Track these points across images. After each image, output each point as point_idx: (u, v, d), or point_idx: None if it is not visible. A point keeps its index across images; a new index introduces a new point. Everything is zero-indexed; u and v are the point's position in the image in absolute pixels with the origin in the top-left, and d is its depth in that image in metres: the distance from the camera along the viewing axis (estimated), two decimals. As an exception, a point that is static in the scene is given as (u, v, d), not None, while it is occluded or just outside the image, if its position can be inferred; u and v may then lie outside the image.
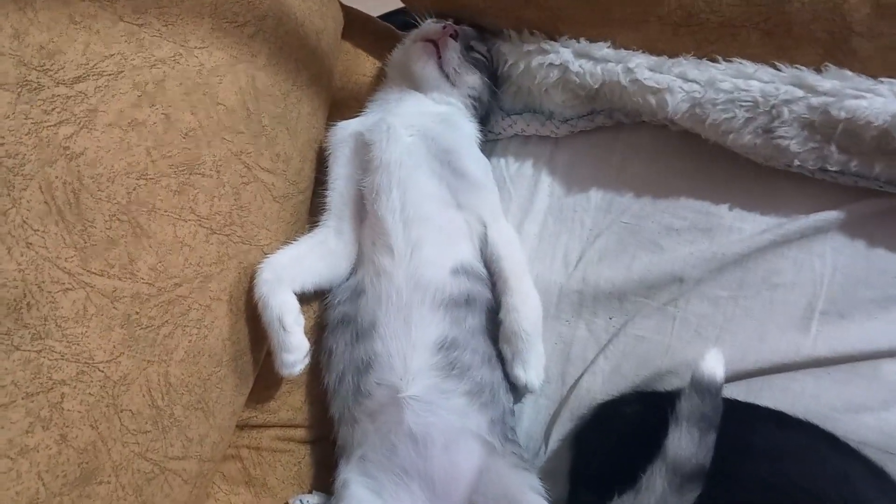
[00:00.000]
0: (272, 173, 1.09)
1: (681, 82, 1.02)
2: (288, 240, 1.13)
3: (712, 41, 1.02)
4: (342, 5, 1.33)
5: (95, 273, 0.80)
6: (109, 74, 0.83)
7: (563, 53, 1.11)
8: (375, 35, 1.40)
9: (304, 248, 1.12)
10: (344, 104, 1.31)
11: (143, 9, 0.89)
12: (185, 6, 0.95)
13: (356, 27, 1.37)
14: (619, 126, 1.18)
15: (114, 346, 0.83)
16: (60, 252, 0.76)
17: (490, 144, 1.29)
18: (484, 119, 1.25)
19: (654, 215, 1.12)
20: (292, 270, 1.08)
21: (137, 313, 0.86)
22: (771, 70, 0.99)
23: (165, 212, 0.89)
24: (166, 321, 0.90)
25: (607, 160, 1.19)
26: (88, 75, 0.81)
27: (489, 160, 1.26)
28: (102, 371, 0.82)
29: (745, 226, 1.09)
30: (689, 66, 1.03)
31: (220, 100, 1.00)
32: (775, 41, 0.98)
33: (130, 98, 0.86)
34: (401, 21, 1.43)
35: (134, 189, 0.85)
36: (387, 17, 1.58)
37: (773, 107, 0.97)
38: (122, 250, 0.83)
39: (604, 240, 1.16)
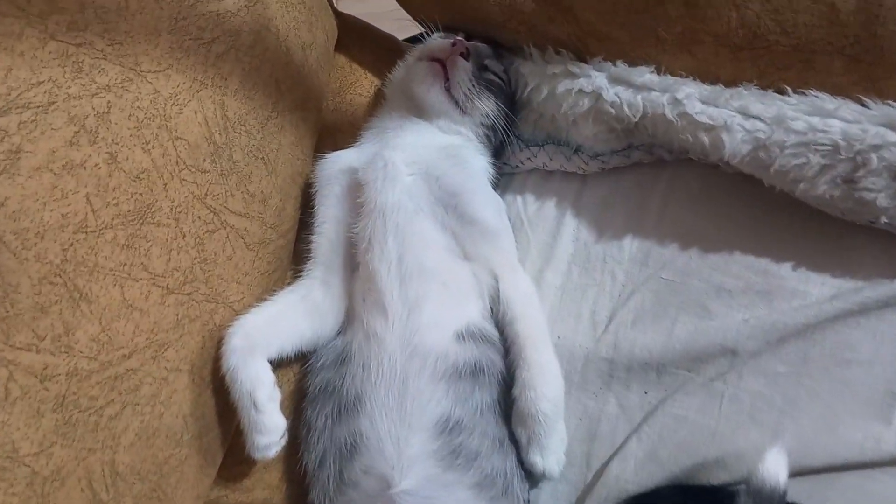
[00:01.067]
0: (245, 217, 0.92)
1: (741, 119, 0.84)
2: (265, 293, 0.98)
3: (781, 68, 0.83)
4: (336, 12, 1.15)
5: (20, 348, 0.68)
6: (38, 107, 0.69)
7: (596, 78, 0.92)
8: (375, 46, 1.22)
9: (283, 304, 0.95)
10: (336, 128, 1.13)
11: (81, 25, 0.73)
12: (135, 21, 0.79)
13: (352, 37, 1.19)
14: (660, 163, 1.00)
15: (44, 435, 0.70)
16: (-27, 323, 0.64)
17: (505, 178, 1.11)
18: (498, 150, 1.07)
19: (700, 272, 0.96)
20: (268, 333, 0.91)
21: (75, 393, 0.73)
22: (856, 107, 0.80)
23: (111, 270, 0.76)
24: (112, 400, 0.76)
25: (645, 203, 1.01)
26: (10, 108, 0.67)
27: (503, 198, 1.08)
28: (29, 466, 0.69)
29: (811, 289, 0.91)
30: (752, 99, 0.84)
31: (180, 133, 0.84)
32: (862, 70, 0.79)
33: (65, 135, 0.71)
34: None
35: (70, 245, 0.72)
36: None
37: (857, 153, 0.79)
38: (56, 319, 0.71)
39: (639, 298, 0.98)
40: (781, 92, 0.85)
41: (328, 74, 1.12)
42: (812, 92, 0.83)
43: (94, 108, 0.74)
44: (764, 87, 0.86)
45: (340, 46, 1.16)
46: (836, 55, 0.79)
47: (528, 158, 1.07)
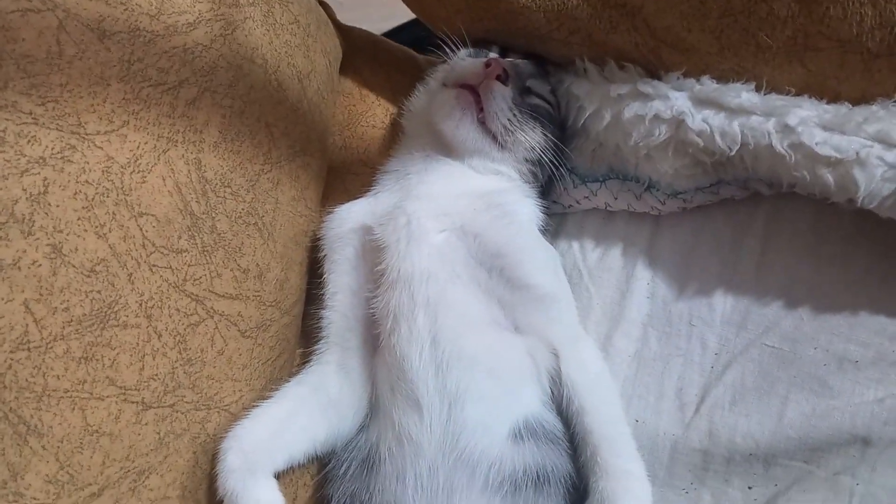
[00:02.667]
0: (237, 299, 0.75)
1: (880, 149, 0.63)
2: (268, 386, 0.82)
3: (934, 78, 0.61)
4: (340, 27, 0.94)
5: (-48, 505, 0.54)
6: None
7: (677, 100, 0.72)
8: (389, 65, 1.01)
9: (290, 401, 0.79)
10: (346, 169, 0.95)
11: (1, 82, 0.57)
12: (73, 70, 0.62)
13: (361, 56, 0.99)
14: (756, 197, 0.79)
15: None
16: None
17: (556, 219, 0.91)
18: (547, 187, 0.87)
19: (816, 337, 0.77)
20: (272, 445, 0.77)
21: (30, 558, 0.58)
22: None
23: (66, 392, 0.61)
24: (80, 556, 0.62)
25: (739, 248, 0.81)
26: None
27: (556, 245, 0.89)
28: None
29: (966, 356, 0.70)
30: (893, 121, 0.62)
31: (145, 208, 0.67)
32: None
33: None
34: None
35: (8, 368, 0.57)
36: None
37: None
38: None
39: (738, 371, 0.79)
40: (937, 108, 0.64)
41: (333, 105, 0.93)
42: (979, 109, 0.61)
43: (25, 190, 0.58)
44: (907, 104, 0.65)
45: (347, 68, 0.96)
46: None
47: (586, 197, 0.87)
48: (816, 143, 0.65)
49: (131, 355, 0.65)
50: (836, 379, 0.75)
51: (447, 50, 0.85)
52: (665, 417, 0.81)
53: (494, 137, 0.80)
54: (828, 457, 0.74)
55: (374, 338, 0.79)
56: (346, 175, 0.95)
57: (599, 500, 0.71)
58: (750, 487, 0.77)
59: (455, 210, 0.78)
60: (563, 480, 0.74)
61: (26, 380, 0.58)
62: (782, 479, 0.76)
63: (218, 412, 0.74)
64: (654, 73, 0.75)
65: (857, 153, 0.64)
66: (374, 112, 0.97)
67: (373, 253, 0.78)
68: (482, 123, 0.79)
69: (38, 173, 0.59)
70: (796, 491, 0.75)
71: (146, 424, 0.67)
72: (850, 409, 0.74)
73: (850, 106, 0.67)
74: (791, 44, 0.66)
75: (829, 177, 0.66)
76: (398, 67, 1.00)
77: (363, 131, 0.96)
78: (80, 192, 0.61)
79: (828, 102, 0.68)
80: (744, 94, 0.69)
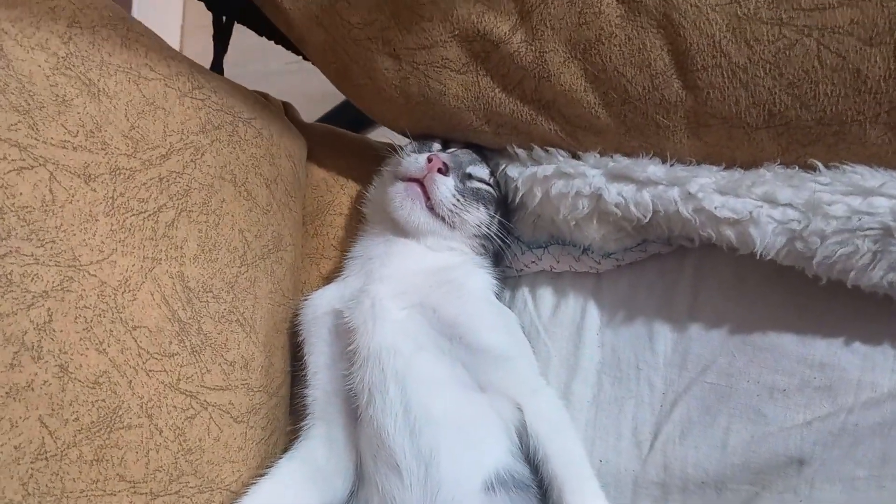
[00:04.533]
0: (227, 390, 0.83)
1: (768, 208, 0.72)
2: (264, 462, 0.88)
3: (807, 144, 0.71)
4: (302, 126, 1.04)
5: None
6: None
7: (593, 178, 0.81)
8: (350, 154, 1.11)
9: (282, 476, 0.86)
10: (320, 254, 1.04)
11: (2, 233, 0.65)
12: (65, 212, 0.71)
13: (324, 150, 1.08)
14: (683, 250, 0.88)
15: None
16: None
17: (511, 280, 0.99)
18: (498, 256, 0.96)
19: (748, 372, 0.84)
20: None
21: None
22: (904, 179, 0.68)
23: (82, 492, 0.68)
24: None
25: (672, 296, 0.89)
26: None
27: (511, 305, 0.97)
28: None
29: (880, 379, 0.79)
30: (778, 184, 0.72)
31: (138, 322, 0.75)
32: (903, 136, 0.66)
33: (3, 359, 0.63)
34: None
35: (30, 477, 0.64)
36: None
37: (915, 234, 0.66)
38: None
39: (684, 408, 0.86)
40: (811, 168, 0.73)
41: (302, 200, 1.02)
42: (847, 166, 0.71)
43: (32, 322, 0.66)
44: (789, 165, 0.74)
45: (312, 161, 1.06)
46: (871, 124, 0.67)
47: (533, 262, 0.96)
48: (716, 207, 0.74)
49: (137, 452, 0.72)
50: (768, 407, 0.81)
51: (396, 147, 0.95)
52: (625, 455, 0.88)
53: (444, 220, 0.89)
54: (770, 478, 0.81)
55: (354, 411, 0.86)
56: (319, 260, 1.03)
57: (567, 538, 0.78)
58: None
59: (413, 288, 0.86)
60: (537, 520, 0.81)
61: (46, 485, 0.64)
62: (733, 502, 0.83)
63: (220, 493, 0.81)
64: (574, 154, 0.85)
65: (751, 213, 0.72)
66: (341, 200, 1.06)
67: (345, 334, 0.86)
68: (431, 209, 0.88)
69: (43, 305, 0.66)
70: None
71: None
72: (783, 434, 0.80)
73: (743, 171, 0.76)
74: (685, 122, 0.75)
75: (730, 235, 0.75)
76: (358, 155, 1.09)
77: (332, 219, 1.05)
78: (80, 316, 0.69)
79: (725, 168, 0.77)
80: (650, 168, 0.78)
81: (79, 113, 0.72)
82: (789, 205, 0.71)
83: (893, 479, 0.77)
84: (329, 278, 0.96)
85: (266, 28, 1.01)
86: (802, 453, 0.79)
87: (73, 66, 0.73)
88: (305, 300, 0.92)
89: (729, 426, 0.83)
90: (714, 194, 0.74)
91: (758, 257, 0.74)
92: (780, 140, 0.72)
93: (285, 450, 0.90)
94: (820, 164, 0.72)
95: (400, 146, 0.94)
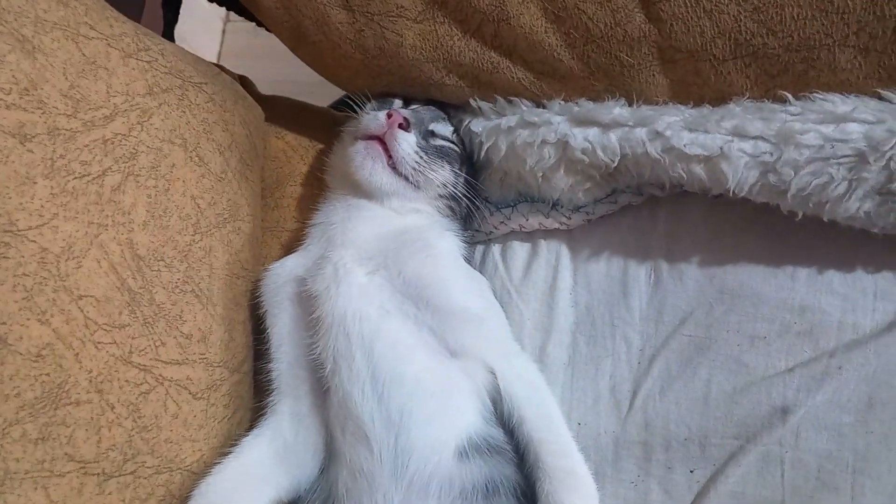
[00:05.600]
0: (184, 364, 0.79)
1: (739, 142, 0.69)
2: (227, 442, 0.84)
3: (775, 74, 0.69)
4: (261, 97, 1.01)
5: None
6: None
7: (559, 124, 0.78)
8: (310, 126, 1.07)
9: (249, 453, 0.82)
10: (281, 227, 1.00)
11: None
12: (0, 174, 0.65)
13: (283, 121, 1.05)
14: (654, 201, 0.85)
15: None
16: None
17: (480, 248, 0.96)
18: (466, 219, 0.93)
19: (726, 321, 0.82)
20: (238, 497, 0.79)
21: None
22: (875, 103, 0.66)
23: (27, 473, 0.64)
24: None
25: (645, 249, 0.86)
26: None
27: (482, 270, 0.93)
28: None
29: (861, 319, 0.77)
30: (748, 116, 0.70)
31: (84, 290, 0.71)
32: (874, 60, 0.65)
33: None
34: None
35: None
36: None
37: (890, 158, 0.64)
38: None
39: (663, 362, 0.84)
40: (781, 101, 0.71)
41: (260, 170, 0.98)
42: (818, 95, 0.68)
43: None
44: (759, 99, 0.72)
45: (271, 134, 1.02)
46: (840, 48, 0.65)
47: (502, 222, 0.92)
48: (685, 145, 0.71)
49: (87, 430, 0.68)
50: (749, 356, 0.79)
51: (355, 106, 0.91)
52: (604, 416, 0.85)
53: (407, 179, 0.86)
54: (755, 430, 0.78)
55: (321, 383, 0.82)
56: (280, 233, 0.99)
57: (546, 502, 0.74)
58: (692, 471, 0.81)
59: (378, 250, 0.82)
60: (512, 489, 0.77)
61: None
62: (718, 457, 0.80)
63: (181, 473, 0.77)
64: (538, 103, 0.82)
65: (721, 148, 0.70)
66: (301, 171, 1.02)
67: (308, 302, 0.82)
68: (393, 168, 0.85)
69: None
70: (732, 466, 0.79)
71: (110, 494, 0.70)
72: (766, 383, 0.78)
73: (711, 107, 0.73)
74: (650, 59, 0.73)
75: (701, 173, 0.72)
76: (319, 127, 1.05)
77: (292, 190, 1.01)
78: (19, 284, 0.65)
79: (693, 107, 0.75)
80: (616, 110, 0.75)
81: (12, 70, 0.68)
82: (760, 137, 0.69)
83: (881, 423, 0.75)
84: (290, 249, 0.92)
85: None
86: (786, 401, 0.77)
87: (5, 21, 0.69)
88: (266, 271, 0.88)
89: (710, 378, 0.81)
90: (683, 131, 0.72)
91: (731, 194, 0.72)
92: (747, 72, 0.70)
93: (251, 428, 0.85)
94: (789, 96, 0.70)
95: (359, 105, 0.91)
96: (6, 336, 0.64)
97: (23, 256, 0.66)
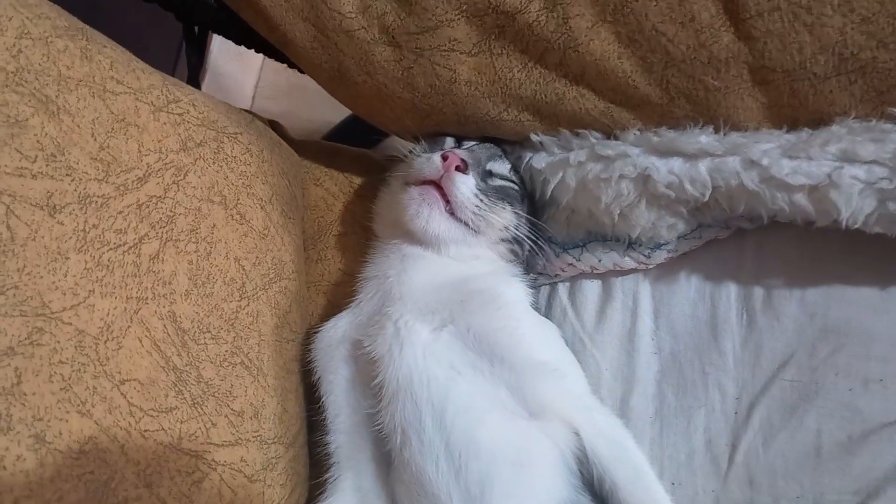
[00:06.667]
0: (237, 445, 0.72)
1: (850, 168, 0.61)
2: None
3: (884, 90, 0.61)
4: (294, 143, 0.94)
5: None
6: None
7: (637, 157, 0.71)
8: (348, 170, 1.00)
9: None
10: (326, 280, 0.92)
11: None
12: (28, 251, 0.60)
13: (321, 168, 0.98)
14: (740, 234, 0.77)
15: None
16: None
17: (545, 291, 0.89)
18: (529, 262, 0.85)
19: (834, 362, 0.73)
20: None
21: None
22: None
23: None
24: None
25: (734, 286, 0.79)
26: None
27: (549, 317, 0.86)
28: None
29: None
30: (856, 139, 0.62)
31: (126, 374, 0.65)
32: None
33: None
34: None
35: None
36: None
37: None
38: None
39: (764, 411, 0.76)
40: (891, 119, 0.63)
41: (301, 222, 0.91)
42: (935, 110, 0.61)
43: None
44: (864, 118, 0.64)
45: (309, 182, 0.95)
46: (964, 58, 0.57)
47: (570, 264, 0.85)
48: (786, 174, 0.64)
49: None
50: (864, 401, 0.71)
51: (402, 150, 0.84)
52: (700, 475, 0.77)
53: (467, 224, 0.79)
54: (877, 485, 0.70)
55: (386, 455, 0.76)
56: (327, 287, 0.93)
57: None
58: None
59: (440, 304, 0.75)
60: (608, 562, 0.70)
61: None
62: None
63: None
64: (609, 134, 0.75)
65: (829, 176, 0.62)
66: (344, 219, 0.96)
67: (367, 367, 0.75)
68: (451, 214, 0.78)
69: (9, 365, 0.55)
70: None
71: None
72: (887, 430, 0.70)
73: (811, 131, 0.66)
74: (739, 81, 0.65)
75: (807, 204, 0.64)
76: (357, 170, 0.99)
77: (336, 240, 0.95)
78: (56, 373, 0.58)
79: (788, 131, 0.67)
80: (702, 138, 0.68)
81: (36, 135, 0.62)
82: (874, 161, 0.61)
83: None
84: (339, 306, 0.84)
85: (243, 35, 0.91)
86: (910, 450, 0.68)
87: (25, 81, 0.63)
88: (316, 332, 0.82)
89: (820, 428, 0.73)
90: (782, 159, 0.64)
91: (843, 226, 0.64)
92: (852, 89, 0.63)
93: (310, 505, 0.78)
94: (901, 113, 0.62)
95: (409, 150, 0.83)
96: (44, 434, 0.57)
97: (58, 342, 0.59)
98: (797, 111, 0.66)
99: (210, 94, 0.80)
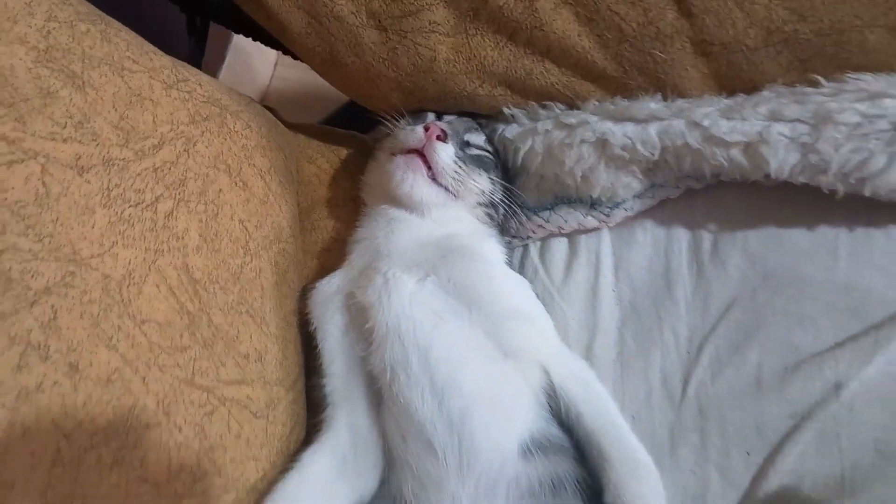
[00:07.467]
0: (244, 383, 0.79)
1: (778, 126, 0.71)
2: (288, 460, 0.83)
3: (805, 58, 0.71)
4: (289, 125, 1.03)
5: None
6: None
7: (595, 123, 0.80)
8: (340, 148, 1.09)
9: (310, 469, 0.81)
10: (319, 247, 1.00)
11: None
12: (61, 206, 0.67)
13: (314, 146, 1.07)
14: (690, 193, 0.87)
15: None
16: None
17: (519, 251, 0.98)
18: (504, 226, 0.94)
19: (773, 304, 0.83)
20: None
21: None
22: (909, 78, 0.68)
23: (104, 498, 0.63)
24: None
25: (685, 240, 0.88)
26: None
27: (521, 273, 0.95)
28: None
29: (906, 291, 0.77)
30: (783, 101, 0.72)
31: (146, 315, 0.71)
32: (904, 37, 0.67)
33: (9, 360, 0.59)
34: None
35: (49, 486, 0.60)
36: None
37: (929, 128, 0.66)
38: None
39: (712, 350, 0.85)
40: (813, 84, 0.73)
41: (296, 194, 1.00)
42: (850, 76, 0.71)
43: (36, 320, 0.62)
44: (790, 84, 0.74)
45: (302, 160, 1.04)
46: (870, 29, 0.67)
47: (540, 226, 0.94)
48: (724, 133, 0.74)
49: (157, 452, 0.68)
50: (798, 336, 0.80)
51: (388, 124, 0.93)
52: (657, 408, 0.85)
53: (447, 189, 0.87)
54: (809, 408, 0.79)
55: (376, 394, 0.83)
56: (320, 253, 1.01)
57: (614, 491, 0.75)
58: (748, 453, 0.81)
59: (424, 259, 0.83)
60: (577, 483, 0.78)
61: (66, 493, 0.60)
62: (774, 438, 0.80)
63: (246, 492, 0.77)
64: (572, 105, 0.84)
65: (760, 133, 0.72)
66: (335, 193, 1.04)
67: (359, 315, 0.83)
68: (433, 180, 0.87)
69: (46, 302, 0.62)
70: (789, 445, 0.79)
71: None
72: (817, 360, 0.79)
73: (745, 96, 0.76)
74: (683, 54, 0.75)
75: (742, 159, 0.74)
76: (347, 149, 1.08)
77: (327, 212, 1.03)
78: (86, 311, 0.65)
79: (726, 97, 0.77)
80: (652, 105, 0.78)
81: (65, 105, 0.70)
82: (798, 120, 0.71)
83: None
84: (331, 269, 0.93)
85: (243, 25, 0.99)
86: (838, 376, 0.78)
87: (55, 59, 0.71)
88: (313, 289, 0.89)
89: (760, 361, 0.82)
90: (720, 120, 0.74)
91: (772, 178, 0.73)
92: (779, 59, 0.73)
93: (307, 443, 0.86)
94: (821, 79, 0.72)
95: (393, 124, 0.93)
96: (77, 363, 0.64)
97: (87, 284, 0.67)
98: (734, 79, 0.76)
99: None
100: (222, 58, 1.36)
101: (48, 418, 0.60)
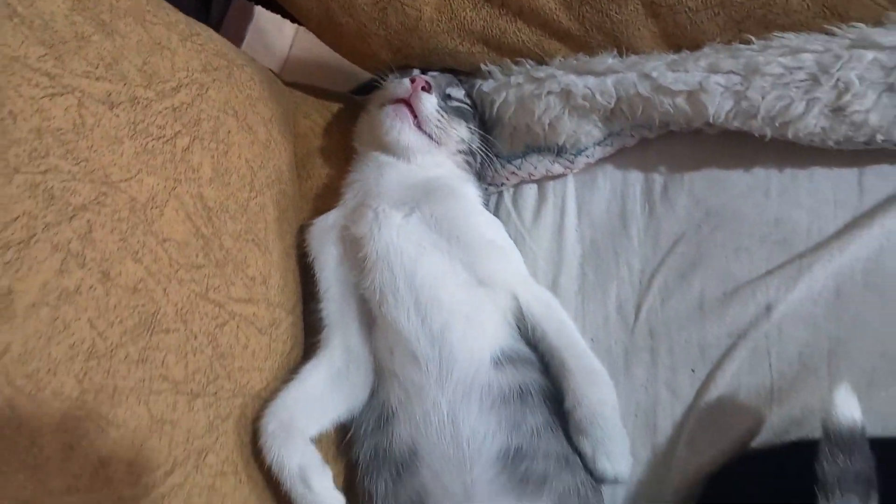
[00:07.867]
0: (250, 302, 0.89)
1: (715, 77, 0.83)
2: (288, 375, 0.93)
3: (739, 19, 0.83)
4: (288, 83, 1.13)
5: (59, 492, 0.63)
6: (19, 243, 0.66)
7: (561, 76, 0.91)
8: (332, 107, 1.20)
9: (308, 380, 0.91)
10: (314, 194, 1.11)
11: (42, 152, 0.70)
12: (95, 135, 0.76)
13: (308, 104, 1.17)
14: (644, 143, 0.99)
15: None
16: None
17: (494, 197, 1.09)
18: (481, 173, 1.06)
19: (713, 238, 0.94)
20: (301, 413, 0.88)
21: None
22: (823, 36, 0.80)
23: (132, 390, 0.72)
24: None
25: (639, 184, 1.00)
26: (-11, 253, 0.63)
27: (496, 216, 1.06)
28: None
29: (825, 225, 0.90)
30: (720, 55, 0.84)
31: (167, 235, 0.81)
32: (818, 1, 0.79)
33: (53, 265, 0.68)
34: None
35: (85, 374, 0.68)
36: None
37: (837, 79, 0.78)
38: (87, 456, 0.67)
39: (661, 279, 0.96)
40: (746, 43, 0.85)
41: (293, 144, 1.11)
42: (776, 34, 0.83)
43: (75, 232, 0.71)
44: (728, 43, 0.86)
45: (299, 115, 1.15)
46: (790, -8, 0.79)
47: (513, 173, 1.06)
48: (670, 83, 0.85)
49: (176, 355, 0.77)
50: (735, 266, 0.91)
51: (379, 80, 1.04)
52: (613, 331, 0.97)
53: (430, 136, 0.98)
54: (744, 328, 0.89)
55: (368, 316, 0.94)
56: (315, 199, 1.11)
57: (573, 397, 0.86)
58: (693, 370, 0.92)
59: (410, 197, 0.94)
60: (542, 393, 0.89)
61: (99, 382, 0.68)
62: (715, 355, 0.91)
63: (252, 398, 0.87)
64: (541, 62, 0.96)
65: (700, 83, 0.84)
66: (329, 146, 1.15)
67: (353, 245, 0.93)
68: (418, 128, 0.98)
69: (83, 217, 0.70)
70: (727, 362, 0.89)
71: (198, 411, 0.78)
72: (750, 286, 0.90)
73: (689, 51, 0.88)
74: (635, 15, 0.87)
75: (685, 106, 0.86)
76: (340, 107, 1.18)
77: (322, 161, 1.13)
78: (116, 227, 0.74)
79: (672, 53, 0.89)
80: (609, 60, 0.89)
81: (97, 48, 0.79)
82: (732, 71, 0.83)
83: (847, 309, 0.86)
84: (328, 209, 1.03)
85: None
86: (769, 300, 0.89)
87: (87, 7, 0.80)
88: (311, 225, 1.00)
89: (703, 288, 0.93)
90: (667, 72, 0.86)
91: (711, 122, 0.85)
92: (717, 20, 0.84)
93: (306, 360, 0.96)
94: (752, 38, 0.84)
95: (382, 78, 1.04)
96: (108, 271, 0.73)
97: (117, 204, 0.76)
98: (679, 38, 0.88)
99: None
100: (241, 38, 1.47)
101: (85, 317, 0.69)
